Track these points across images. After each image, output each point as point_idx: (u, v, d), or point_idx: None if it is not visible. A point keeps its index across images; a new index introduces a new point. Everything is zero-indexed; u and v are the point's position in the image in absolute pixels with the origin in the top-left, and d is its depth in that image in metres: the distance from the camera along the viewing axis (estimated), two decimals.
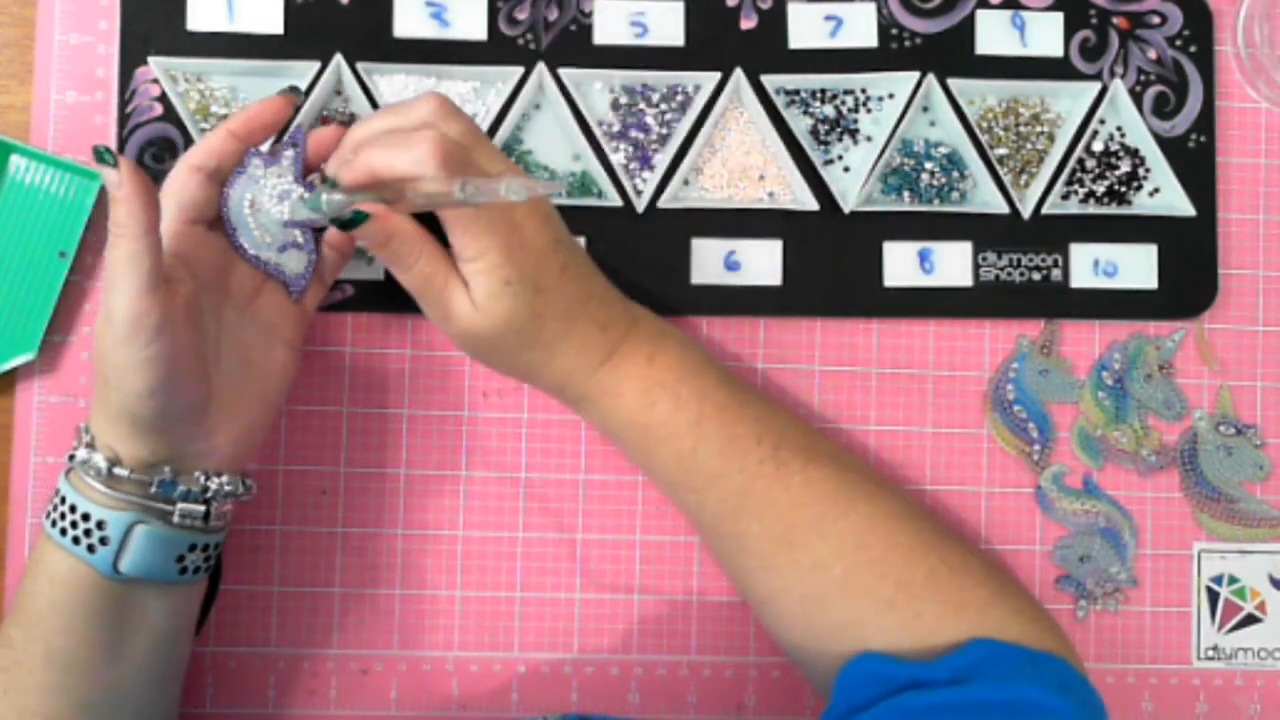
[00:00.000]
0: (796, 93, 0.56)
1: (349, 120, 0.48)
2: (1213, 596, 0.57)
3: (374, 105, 0.53)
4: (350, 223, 0.43)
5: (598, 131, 0.54)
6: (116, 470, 0.43)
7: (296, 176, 0.47)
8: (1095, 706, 0.44)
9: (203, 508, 0.45)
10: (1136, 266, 0.56)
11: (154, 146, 0.52)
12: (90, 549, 0.43)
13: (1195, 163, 0.56)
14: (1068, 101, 0.56)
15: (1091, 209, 0.56)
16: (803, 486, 0.47)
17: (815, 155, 0.55)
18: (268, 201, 0.46)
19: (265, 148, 0.47)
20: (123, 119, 0.52)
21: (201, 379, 0.44)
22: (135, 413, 0.42)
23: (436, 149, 0.42)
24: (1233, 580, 0.57)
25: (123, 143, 0.52)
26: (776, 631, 0.50)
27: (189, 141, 0.52)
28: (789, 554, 0.47)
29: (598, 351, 0.47)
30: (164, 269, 0.42)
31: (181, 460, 0.45)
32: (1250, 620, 0.57)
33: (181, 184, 0.45)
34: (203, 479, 0.45)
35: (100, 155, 0.40)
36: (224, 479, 0.46)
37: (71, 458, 0.44)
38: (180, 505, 0.44)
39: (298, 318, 0.48)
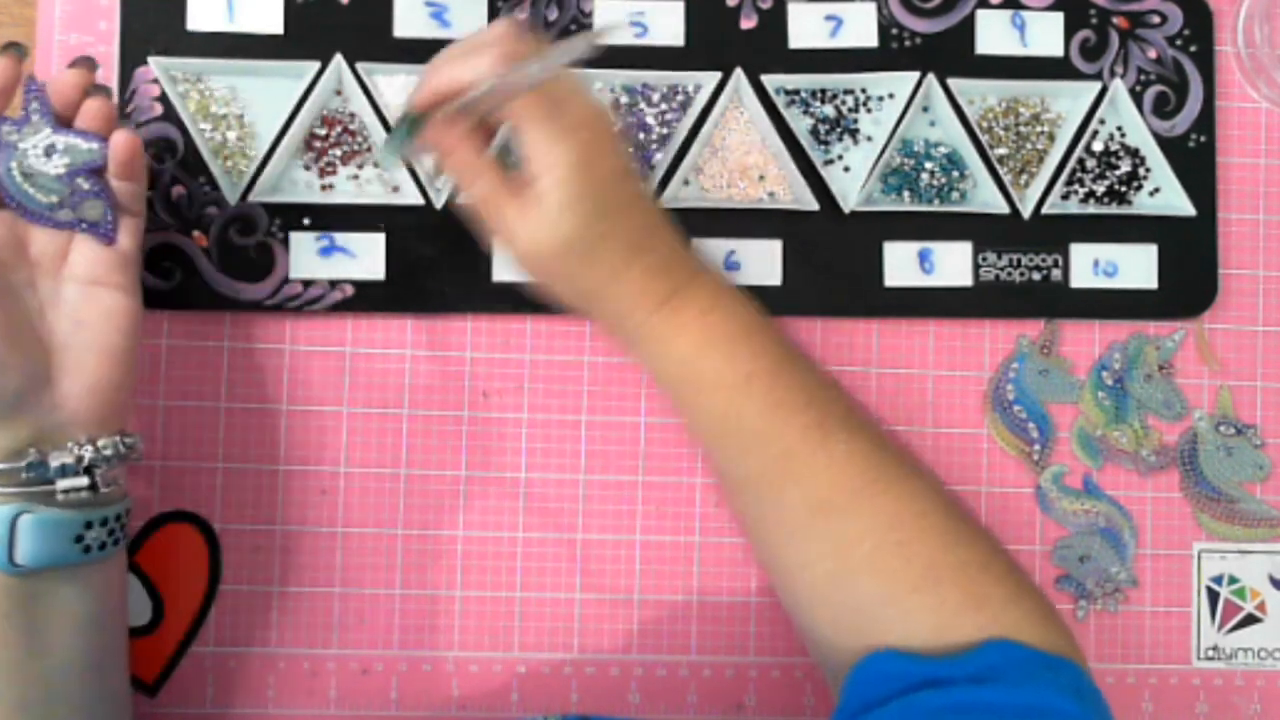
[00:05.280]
0: (796, 93, 0.56)
1: (84, 61, 0.47)
2: (1213, 596, 0.57)
3: (374, 105, 0.53)
4: (406, 135, 0.44)
5: None
6: None
7: (53, 127, 0.45)
8: (1106, 714, 0.44)
9: (85, 479, 0.44)
10: (1136, 266, 0.56)
11: (154, 147, 0.52)
12: None
13: (1195, 163, 0.56)
14: (1068, 101, 0.56)
15: (1091, 209, 0.56)
16: (845, 459, 0.46)
17: (815, 155, 0.55)
18: (37, 162, 0.45)
19: (47, 111, 0.46)
20: (123, 119, 0.52)
21: (29, 354, 0.43)
22: None
23: (501, 56, 0.42)
24: (1233, 580, 0.57)
25: None
26: (796, 608, 0.49)
27: (189, 142, 0.52)
28: (824, 524, 0.46)
29: (657, 293, 0.47)
30: None
31: (45, 438, 0.44)
32: (1250, 620, 0.57)
33: None
34: (75, 449, 0.44)
35: None
36: (100, 443, 0.44)
37: None
38: (60, 483, 0.43)
39: (119, 260, 0.46)
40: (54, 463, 0.43)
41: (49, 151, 0.45)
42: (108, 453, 0.45)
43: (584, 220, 0.44)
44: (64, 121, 0.46)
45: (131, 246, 0.47)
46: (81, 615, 0.45)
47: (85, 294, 0.45)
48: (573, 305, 0.48)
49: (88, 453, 0.44)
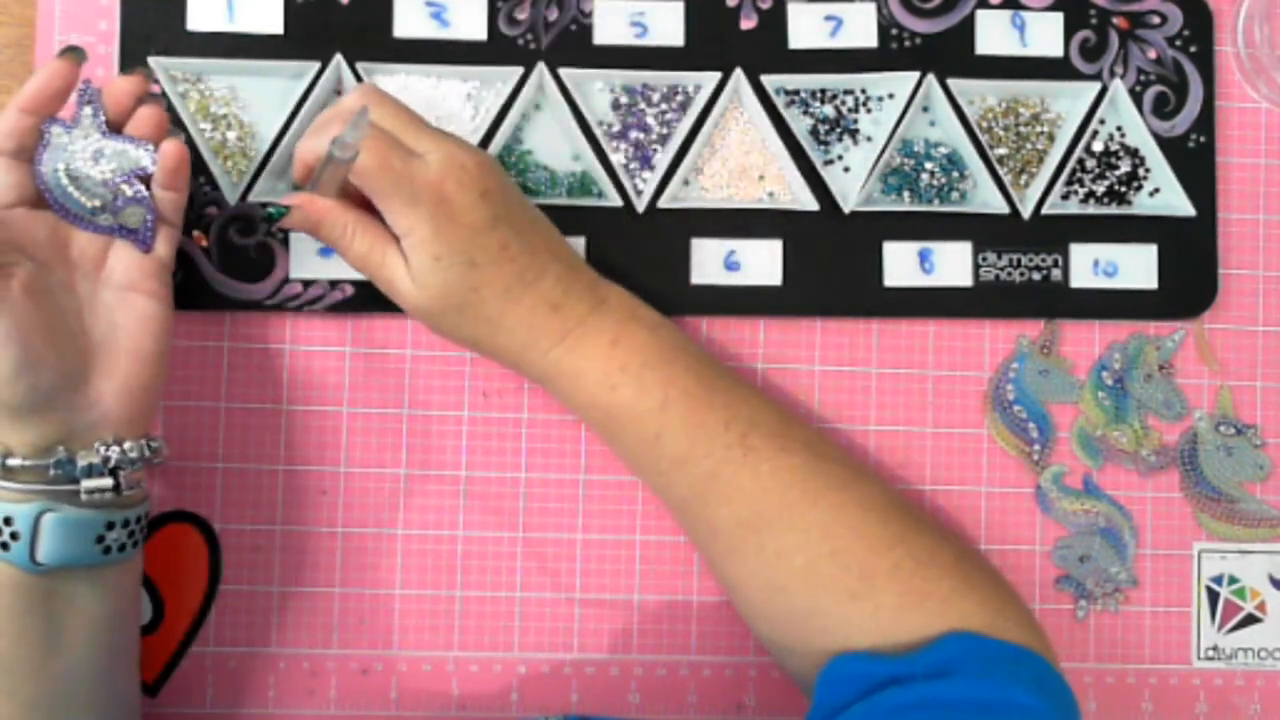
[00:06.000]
0: (796, 93, 0.56)
1: (140, 69, 0.48)
2: (1213, 596, 0.57)
3: None
4: (271, 218, 0.46)
5: (598, 131, 0.54)
6: (10, 461, 0.43)
7: (103, 133, 0.46)
8: (1070, 705, 0.44)
9: (110, 480, 0.44)
10: (1136, 266, 0.56)
11: None
12: (4, 546, 0.42)
13: (1195, 163, 0.56)
14: (1068, 101, 0.56)
15: (1091, 209, 0.56)
16: (771, 474, 0.47)
17: (815, 155, 0.55)
18: (83, 165, 0.45)
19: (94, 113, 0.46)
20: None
21: (66, 352, 0.44)
22: (8, 400, 0.42)
23: (344, 125, 0.44)
24: (1233, 580, 0.57)
25: None
26: (746, 618, 0.50)
27: (189, 142, 0.52)
28: (755, 540, 0.47)
29: (550, 331, 0.48)
30: None
31: (74, 437, 0.44)
32: (1250, 620, 0.57)
33: None
34: (103, 450, 0.44)
35: None
36: (126, 445, 0.45)
37: None
38: (85, 483, 0.44)
39: (155, 268, 0.47)
40: (81, 462, 0.44)
41: (96, 156, 0.45)
42: (133, 455, 0.45)
43: (451, 276, 0.46)
44: (114, 127, 0.46)
45: (167, 255, 0.48)
46: (98, 615, 0.45)
47: (121, 299, 0.46)
48: (471, 351, 0.50)
49: (114, 454, 0.44)
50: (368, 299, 0.53)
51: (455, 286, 0.46)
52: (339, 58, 0.53)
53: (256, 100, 0.53)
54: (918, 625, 0.45)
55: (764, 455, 0.47)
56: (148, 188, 0.46)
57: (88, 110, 0.45)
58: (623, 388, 0.47)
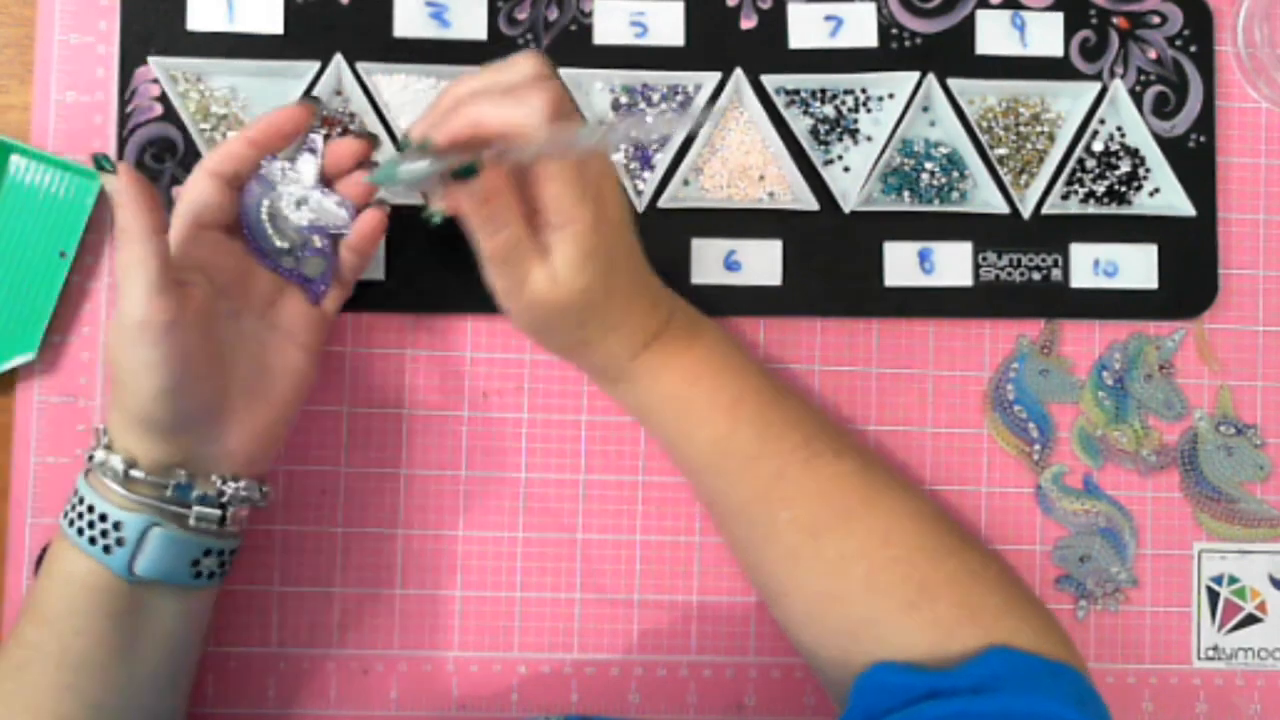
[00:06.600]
0: (796, 93, 0.56)
1: (368, 135, 0.48)
2: (1213, 596, 0.57)
3: (374, 105, 0.53)
4: (464, 173, 0.41)
5: None
6: (133, 473, 0.44)
7: (315, 183, 0.47)
8: None
9: (218, 512, 0.45)
10: (1136, 266, 0.56)
11: (154, 147, 0.52)
12: (106, 550, 0.43)
13: (1195, 163, 0.56)
14: (1068, 101, 0.56)
15: (1091, 209, 0.56)
16: (832, 479, 0.47)
17: (815, 155, 0.55)
18: (286, 207, 0.47)
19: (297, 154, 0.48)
20: (122, 119, 0.52)
21: (215, 381, 0.44)
22: (149, 415, 0.43)
23: (551, 100, 0.41)
24: (1233, 580, 0.57)
25: (122, 143, 0.52)
26: (792, 625, 0.49)
27: (189, 142, 0.52)
28: (814, 545, 0.47)
29: (646, 331, 0.48)
30: (175, 272, 0.42)
31: (197, 463, 0.45)
32: (1250, 620, 0.57)
33: (198, 189, 0.45)
34: (219, 483, 0.45)
35: (99, 163, 0.41)
36: (240, 484, 0.46)
37: (90, 458, 0.44)
38: (196, 509, 0.45)
39: (317, 322, 0.48)
40: (197, 490, 0.45)
41: (300, 202, 0.47)
42: (245, 494, 0.46)
43: (594, 277, 0.44)
44: (326, 180, 0.47)
45: (332, 313, 0.49)
46: (174, 634, 0.46)
47: (278, 344, 0.47)
48: (559, 353, 0.49)
49: (229, 489, 0.46)
50: (368, 299, 0.53)
51: (595, 286, 0.44)
52: (339, 58, 0.53)
53: (256, 100, 0.53)
54: (970, 638, 0.45)
55: (826, 459, 0.47)
56: (335, 245, 0.48)
57: (307, 158, 0.47)
58: (700, 387, 0.48)
